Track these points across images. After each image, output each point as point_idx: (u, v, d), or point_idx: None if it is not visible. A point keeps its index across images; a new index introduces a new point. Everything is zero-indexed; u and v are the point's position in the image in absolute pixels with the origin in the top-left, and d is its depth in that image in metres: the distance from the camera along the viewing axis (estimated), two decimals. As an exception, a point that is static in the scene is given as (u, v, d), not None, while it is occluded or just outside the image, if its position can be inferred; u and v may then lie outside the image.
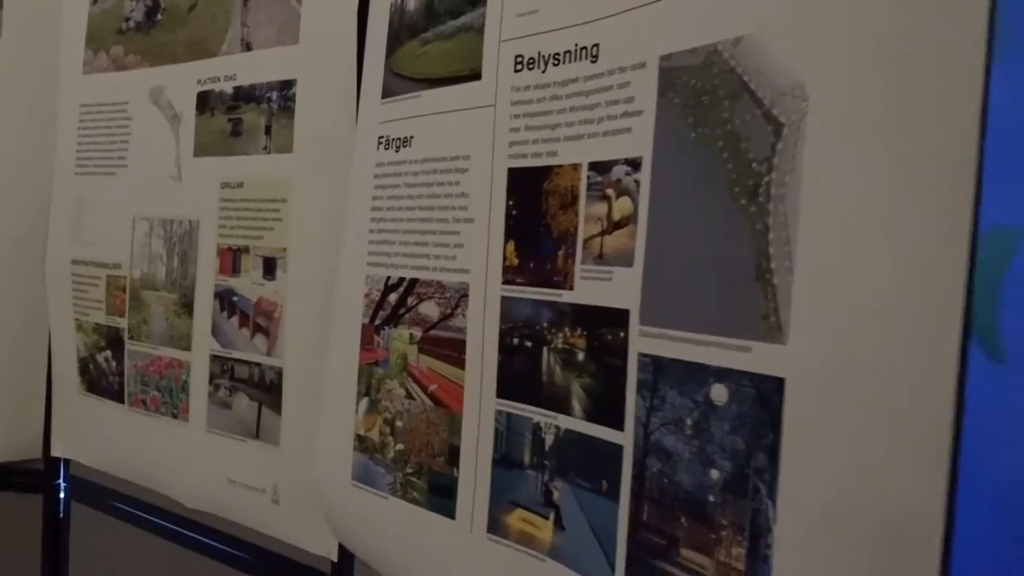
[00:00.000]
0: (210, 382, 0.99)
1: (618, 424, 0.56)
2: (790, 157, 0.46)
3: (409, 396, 0.74)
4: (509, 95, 0.66)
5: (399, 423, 0.75)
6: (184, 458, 1.02)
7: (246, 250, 0.96)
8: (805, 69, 0.45)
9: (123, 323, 1.09)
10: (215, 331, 0.99)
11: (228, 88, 0.99)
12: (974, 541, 0.38)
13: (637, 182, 0.56)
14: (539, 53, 0.64)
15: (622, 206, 0.57)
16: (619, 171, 0.57)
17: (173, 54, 1.05)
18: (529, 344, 0.64)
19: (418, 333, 0.73)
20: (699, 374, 0.50)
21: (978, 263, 0.38)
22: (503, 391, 0.66)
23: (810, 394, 0.44)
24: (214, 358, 0.99)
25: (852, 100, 0.43)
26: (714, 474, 0.48)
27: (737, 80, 0.49)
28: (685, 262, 0.52)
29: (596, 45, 0.59)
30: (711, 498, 0.49)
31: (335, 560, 0.88)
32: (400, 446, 0.74)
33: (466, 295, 0.69)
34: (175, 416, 1.03)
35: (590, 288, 0.59)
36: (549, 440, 0.61)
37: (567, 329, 0.60)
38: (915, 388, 0.40)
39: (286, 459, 0.91)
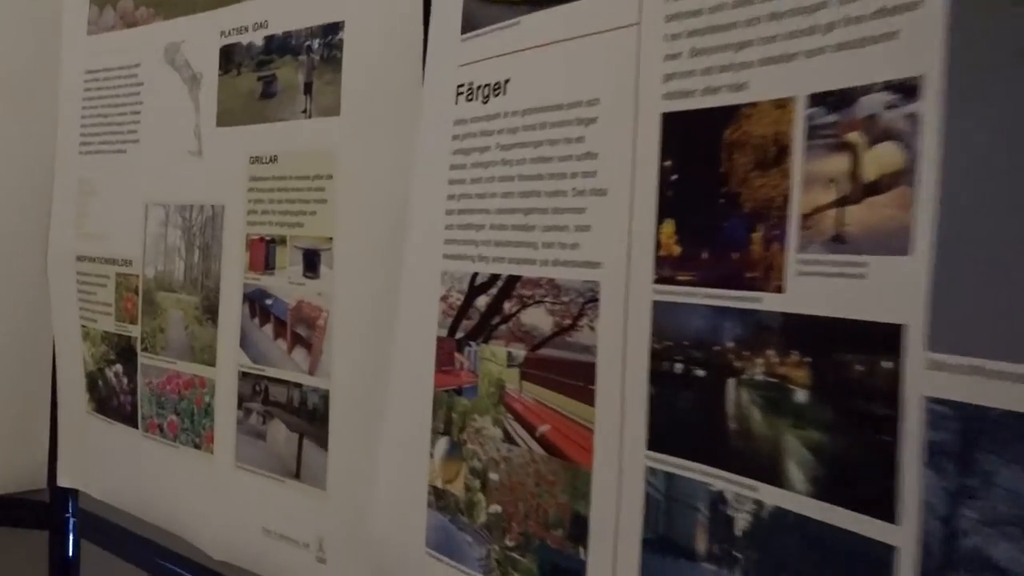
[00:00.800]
0: (239, 406, 0.80)
1: (884, 512, 0.34)
2: None
3: (508, 439, 0.53)
4: (662, 6, 0.45)
5: (493, 475, 0.54)
6: (209, 498, 0.83)
7: (282, 241, 0.76)
8: None
9: (135, 331, 0.90)
10: (244, 342, 0.79)
11: (258, 39, 0.79)
12: None
13: (913, 118, 0.34)
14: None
15: (883, 158, 0.35)
16: (872, 103, 0.36)
17: (191, 3, 0.86)
18: (701, 373, 0.43)
19: (520, 352, 0.52)
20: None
21: None
22: (659, 441, 0.45)
23: None
24: (244, 376, 0.79)
25: None
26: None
27: None
28: (1016, 246, 0.31)
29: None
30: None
31: (399, 638, 0.69)
32: (496, 508, 0.54)
33: (595, 299, 0.48)
34: (197, 446, 0.84)
35: (818, 289, 0.37)
36: (743, 521, 0.40)
37: (771, 352, 0.39)
38: None
39: (334, 507, 0.71)
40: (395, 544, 0.62)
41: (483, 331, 0.55)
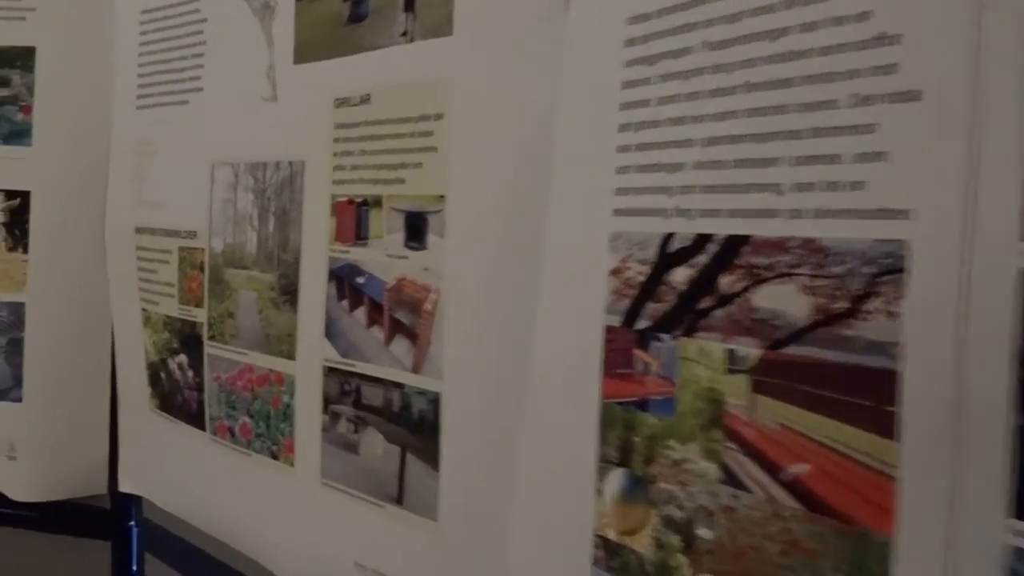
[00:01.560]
0: (325, 409, 0.64)
1: None
2: None
3: (732, 480, 0.36)
4: None
5: (704, 531, 0.37)
6: (288, 519, 0.68)
7: (376, 203, 0.60)
8: None
9: (200, 316, 0.76)
10: (331, 331, 0.64)
11: (343, -50, 0.63)
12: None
13: None
14: None
15: None
16: None
17: (261, -84, 0.71)
18: None
19: (751, 351, 0.35)
20: None
21: None
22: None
23: None
24: (330, 372, 0.64)
25: None
26: None
27: None
28: None
29: None
30: None
31: None
32: (710, 580, 0.36)
33: (898, 269, 0.30)
34: (275, 455, 0.69)
35: None
36: None
37: None
38: None
39: (448, 545, 0.55)
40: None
41: (683, 319, 0.38)
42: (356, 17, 0.62)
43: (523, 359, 0.48)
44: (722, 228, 0.36)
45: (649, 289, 0.39)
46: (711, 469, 0.36)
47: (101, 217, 0.87)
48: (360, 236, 0.62)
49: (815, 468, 0.32)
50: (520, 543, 0.47)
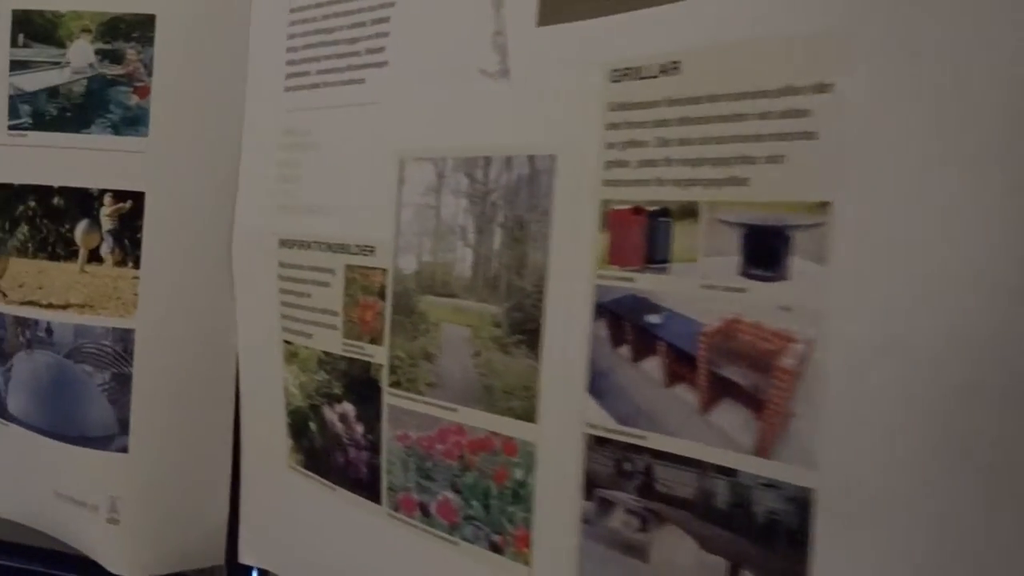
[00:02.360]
0: (588, 493, 0.47)
1: None
2: None
3: None
4: None
5: None
6: (517, 636, 0.50)
7: (687, 212, 0.43)
8: None
9: (378, 355, 0.59)
10: (598, 386, 0.47)
11: None
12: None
13: None
14: None
15: None
16: None
17: None
18: None
19: None
20: None
21: None
22: None
23: None
24: (598, 443, 0.46)
25: None
26: None
27: None
28: None
29: None
30: None
31: None
32: None
33: None
34: (497, 549, 0.52)
35: None
36: None
37: None
38: None
39: None
40: None
41: None
42: (653, -44, 0.45)
43: (961, 443, 0.31)
44: None
45: None
46: None
47: (232, 225, 0.70)
48: (654, 258, 0.44)
49: None
50: None
